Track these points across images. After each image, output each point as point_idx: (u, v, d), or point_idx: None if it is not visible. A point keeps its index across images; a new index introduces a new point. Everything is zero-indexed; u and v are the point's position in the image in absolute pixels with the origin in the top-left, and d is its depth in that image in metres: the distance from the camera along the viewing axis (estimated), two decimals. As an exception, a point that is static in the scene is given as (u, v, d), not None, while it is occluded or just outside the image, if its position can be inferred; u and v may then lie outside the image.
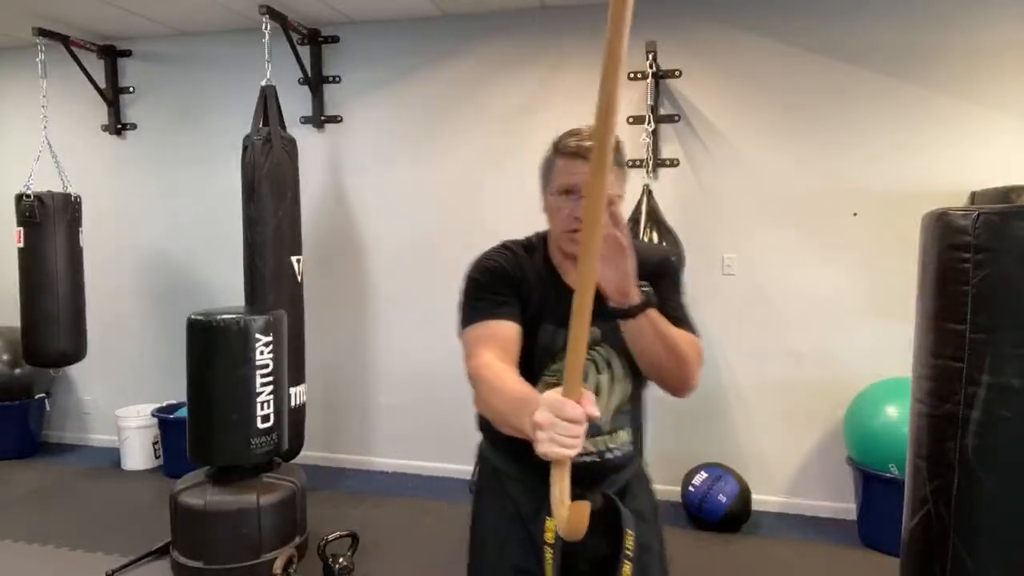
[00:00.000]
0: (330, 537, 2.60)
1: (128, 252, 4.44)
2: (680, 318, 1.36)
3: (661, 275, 1.37)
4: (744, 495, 3.35)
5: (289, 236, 3.52)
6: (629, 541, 1.34)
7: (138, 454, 4.17)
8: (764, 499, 3.54)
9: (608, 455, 1.39)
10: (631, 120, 3.55)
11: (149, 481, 3.98)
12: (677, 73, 3.55)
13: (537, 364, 1.34)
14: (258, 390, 2.88)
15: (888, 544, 2.97)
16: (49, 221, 3.68)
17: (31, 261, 3.69)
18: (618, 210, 1.22)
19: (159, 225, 4.39)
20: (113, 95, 4.36)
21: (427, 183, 3.96)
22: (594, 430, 1.36)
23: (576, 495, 1.00)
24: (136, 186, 4.40)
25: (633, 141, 3.43)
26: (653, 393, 1.46)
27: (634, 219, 3.23)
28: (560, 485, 0.98)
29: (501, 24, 3.78)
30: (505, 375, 1.18)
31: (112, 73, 4.35)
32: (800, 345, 3.51)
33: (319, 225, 4.07)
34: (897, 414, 3.00)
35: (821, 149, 3.44)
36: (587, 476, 1.33)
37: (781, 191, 3.50)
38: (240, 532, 2.78)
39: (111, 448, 4.37)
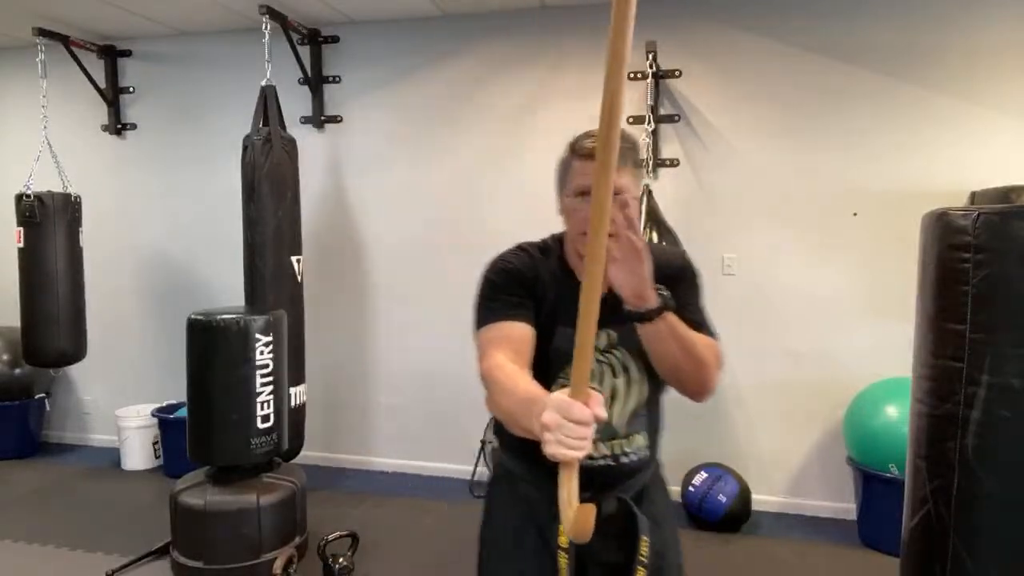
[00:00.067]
0: (330, 537, 2.60)
1: (128, 252, 4.44)
2: (699, 321, 1.34)
3: (680, 278, 1.36)
4: (744, 495, 3.36)
5: (289, 236, 3.52)
6: (644, 547, 1.31)
7: (138, 454, 4.17)
8: (764, 499, 3.55)
9: (623, 459, 1.37)
10: (631, 120, 3.55)
11: (149, 481, 3.98)
12: (677, 73, 3.56)
13: (552, 367, 1.33)
14: (258, 390, 2.88)
15: (888, 544, 2.98)
16: (49, 221, 3.68)
17: (31, 261, 3.69)
18: (633, 212, 1.19)
19: (159, 225, 4.39)
20: (113, 95, 4.36)
21: (427, 183, 3.96)
22: (610, 434, 1.35)
23: (590, 499, 0.98)
24: (136, 186, 4.40)
25: (633, 141, 3.43)
26: (653, 393, 1.46)
27: (634, 219, 3.23)
28: (568, 487, 0.98)
29: (501, 24, 3.78)
30: (517, 376, 1.17)
31: (112, 73, 4.35)
32: (800, 345, 3.51)
33: (319, 225, 4.07)
34: (897, 414, 3.00)
35: (821, 149, 3.45)
36: (601, 480, 1.32)
37: (781, 191, 3.50)
38: (240, 532, 2.78)
39: (111, 448, 4.37)
